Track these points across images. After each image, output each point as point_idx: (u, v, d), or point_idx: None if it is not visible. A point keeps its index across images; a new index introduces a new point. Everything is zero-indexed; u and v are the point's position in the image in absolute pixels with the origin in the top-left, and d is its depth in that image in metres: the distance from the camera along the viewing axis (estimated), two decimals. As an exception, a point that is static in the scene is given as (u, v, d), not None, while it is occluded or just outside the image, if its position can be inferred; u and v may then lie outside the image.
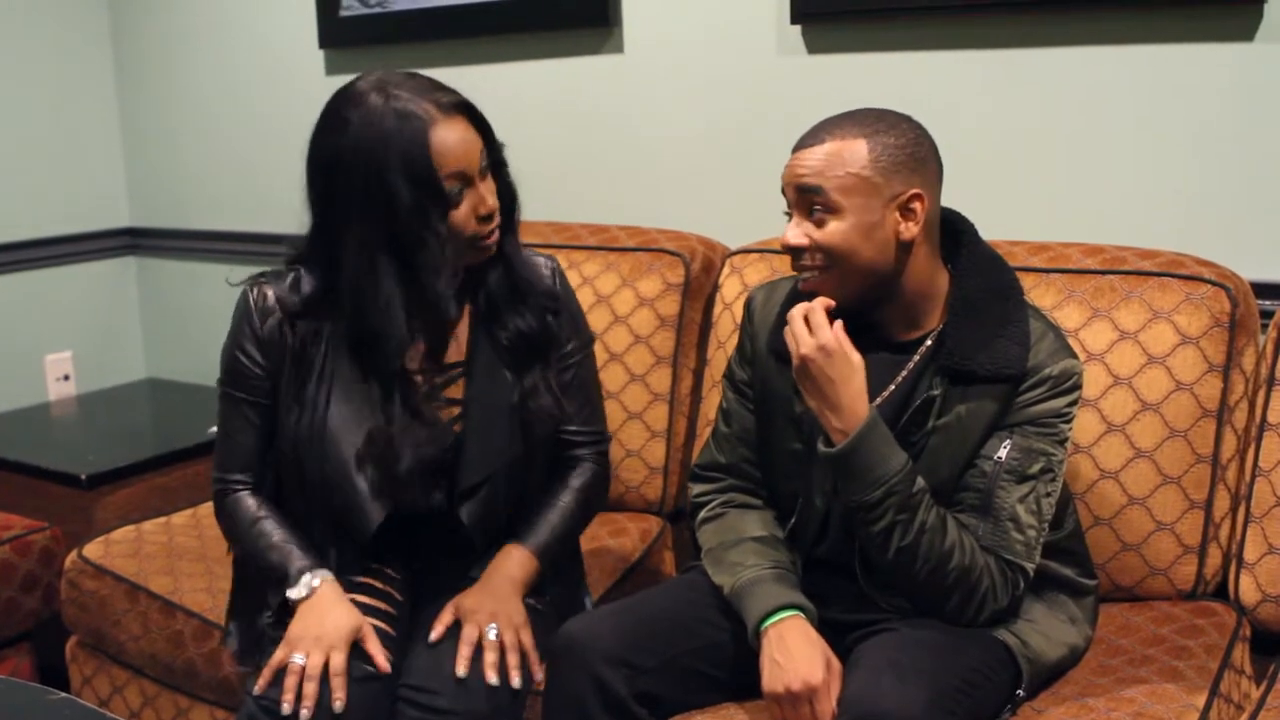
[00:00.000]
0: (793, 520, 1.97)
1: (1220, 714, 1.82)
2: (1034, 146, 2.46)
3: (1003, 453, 1.80)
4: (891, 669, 1.66)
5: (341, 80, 1.97)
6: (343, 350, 1.98)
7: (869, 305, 1.85)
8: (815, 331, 1.77)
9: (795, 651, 1.76)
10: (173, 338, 3.99)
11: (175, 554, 2.52)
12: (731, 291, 2.51)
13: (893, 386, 1.87)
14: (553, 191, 3.01)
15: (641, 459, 2.58)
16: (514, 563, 2.01)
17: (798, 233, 1.81)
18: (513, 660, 1.87)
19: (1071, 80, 2.40)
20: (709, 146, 2.85)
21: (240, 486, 2.06)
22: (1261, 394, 2.06)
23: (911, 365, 1.87)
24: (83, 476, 3.02)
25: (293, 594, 1.93)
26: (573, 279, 2.61)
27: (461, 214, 1.89)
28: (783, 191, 1.85)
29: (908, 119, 1.84)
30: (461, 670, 1.85)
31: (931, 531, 1.76)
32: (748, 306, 2.07)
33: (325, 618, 1.88)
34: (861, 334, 1.83)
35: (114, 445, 3.32)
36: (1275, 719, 1.76)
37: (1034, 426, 1.81)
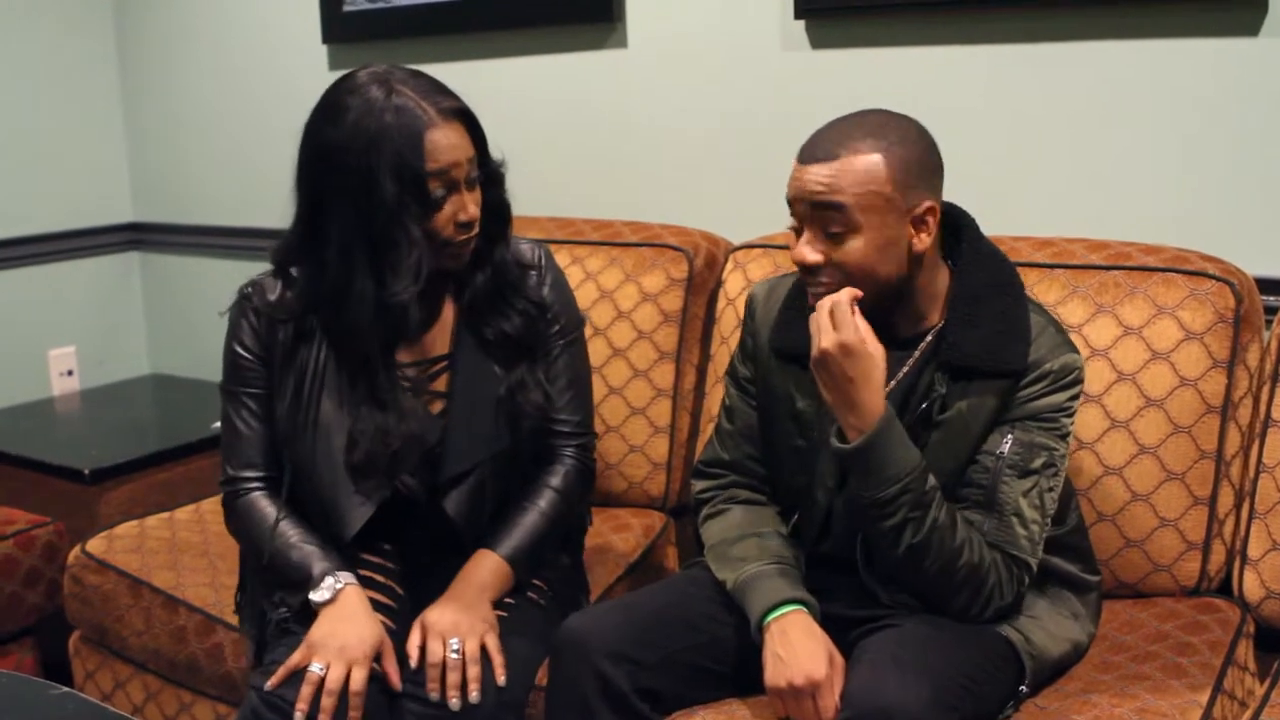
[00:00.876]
0: (796, 516, 1.98)
1: (1224, 710, 1.82)
2: (1037, 141, 2.46)
3: (1005, 447, 1.80)
4: (894, 664, 1.65)
5: (344, 75, 1.97)
6: (332, 348, 1.99)
7: (876, 310, 1.82)
8: (839, 327, 1.74)
9: (798, 646, 1.76)
10: (176, 333, 4.00)
11: (178, 549, 2.52)
12: (735, 287, 2.51)
13: (893, 383, 1.86)
14: (556, 186, 3.01)
15: (644, 454, 2.58)
16: (484, 569, 2.00)
17: (813, 251, 1.79)
18: (471, 673, 1.85)
19: (1076, 75, 2.39)
20: (712, 142, 2.85)
21: (252, 485, 2.05)
22: (1266, 390, 2.06)
23: (913, 361, 1.87)
24: (86, 471, 3.02)
25: (315, 597, 1.92)
26: (576, 274, 2.62)
27: (442, 218, 1.89)
28: (790, 203, 1.81)
29: (912, 123, 1.82)
30: (433, 694, 1.84)
31: (942, 529, 1.76)
32: (749, 304, 2.07)
33: (350, 628, 1.86)
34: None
35: (117, 440, 3.32)
36: (1278, 715, 1.75)
37: (1035, 421, 1.81)
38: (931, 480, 1.77)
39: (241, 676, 2.23)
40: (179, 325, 3.98)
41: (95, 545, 2.54)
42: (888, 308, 1.84)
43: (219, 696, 2.34)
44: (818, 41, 2.67)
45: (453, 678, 1.84)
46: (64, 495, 3.04)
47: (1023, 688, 1.79)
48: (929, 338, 1.87)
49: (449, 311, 2.06)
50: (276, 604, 1.99)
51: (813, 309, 1.80)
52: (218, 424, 2.11)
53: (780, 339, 1.97)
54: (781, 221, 2.58)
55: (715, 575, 1.94)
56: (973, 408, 1.82)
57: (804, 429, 1.93)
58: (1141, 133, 2.35)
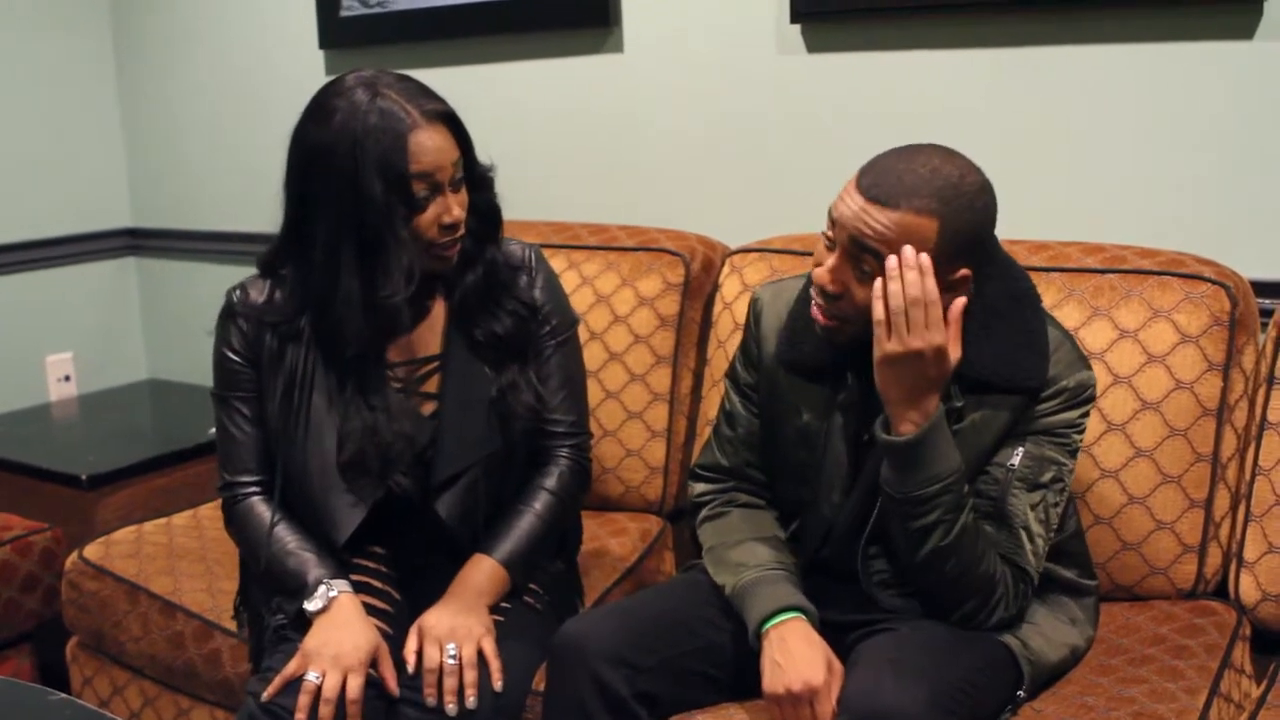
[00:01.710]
0: (795, 525, 1.98)
1: (1220, 713, 1.82)
2: (1033, 145, 2.46)
3: (1015, 460, 1.80)
4: (891, 668, 1.66)
5: (340, 81, 1.98)
6: (321, 351, 1.99)
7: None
8: (931, 327, 1.67)
9: (796, 653, 1.76)
10: (173, 338, 4.00)
11: (176, 555, 2.52)
12: (732, 291, 2.51)
13: None
14: (552, 191, 3.01)
15: (641, 459, 2.58)
16: (480, 573, 2.00)
17: (838, 279, 1.76)
18: (469, 678, 1.85)
19: (1071, 79, 2.40)
20: (709, 145, 2.85)
21: (250, 490, 2.05)
22: (1262, 392, 2.06)
23: None
24: (83, 477, 3.03)
25: (310, 606, 1.92)
26: (572, 278, 2.62)
27: (426, 219, 1.90)
28: (830, 219, 1.76)
29: (982, 187, 1.76)
30: (430, 699, 1.84)
31: (969, 535, 1.76)
32: (753, 307, 2.04)
33: (344, 636, 1.86)
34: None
35: (115, 446, 3.32)
36: (1275, 718, 1.76)
37: (1047, 436, 1.81)
38: (967, 486, 1.77)
39: (239, 681, 2.23)
40: (176, 331, 3.98)
41: (92, 551, 2.54)
42: None
43: (216, 702, 2.34)
44: (814, 45, 2.67)
45: (449, 683, 1.84)
46: (61, 501, 3.04)
47: (1020, 693, 1.79)
48: None
49: (439, 312, 2.06)
50: (273, 610, 1.99)
51: (818, 326, 1.80)
52: (214, 430, 2.11)
53: (789, 353, 1.94)
54: (779, 225, 2.60)
55: (713, 579, 1.94)
56: (985, 420, 1.81)
57: (809, 442, 1.92)
58: (1137, 136, 2.35)
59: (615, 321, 2.59)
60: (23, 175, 3.73)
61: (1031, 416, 1.81)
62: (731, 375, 2.08)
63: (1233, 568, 2.07)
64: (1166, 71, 2.30)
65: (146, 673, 2.44)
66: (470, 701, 1.84)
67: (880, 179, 1.71)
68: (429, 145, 1.87)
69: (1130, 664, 1.90)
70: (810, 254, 2.06)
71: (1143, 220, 2.34)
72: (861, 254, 1.72)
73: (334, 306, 1.91)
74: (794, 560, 1.94)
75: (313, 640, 1.87)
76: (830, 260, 1.76)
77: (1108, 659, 1.92)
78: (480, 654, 1.88)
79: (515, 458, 2.07)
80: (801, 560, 1.95)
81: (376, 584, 2.02)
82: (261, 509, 2.03)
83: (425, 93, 1.92)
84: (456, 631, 1.89)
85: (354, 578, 2.00)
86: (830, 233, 1.77)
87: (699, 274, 2.60)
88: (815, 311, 1.81)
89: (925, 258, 1.66)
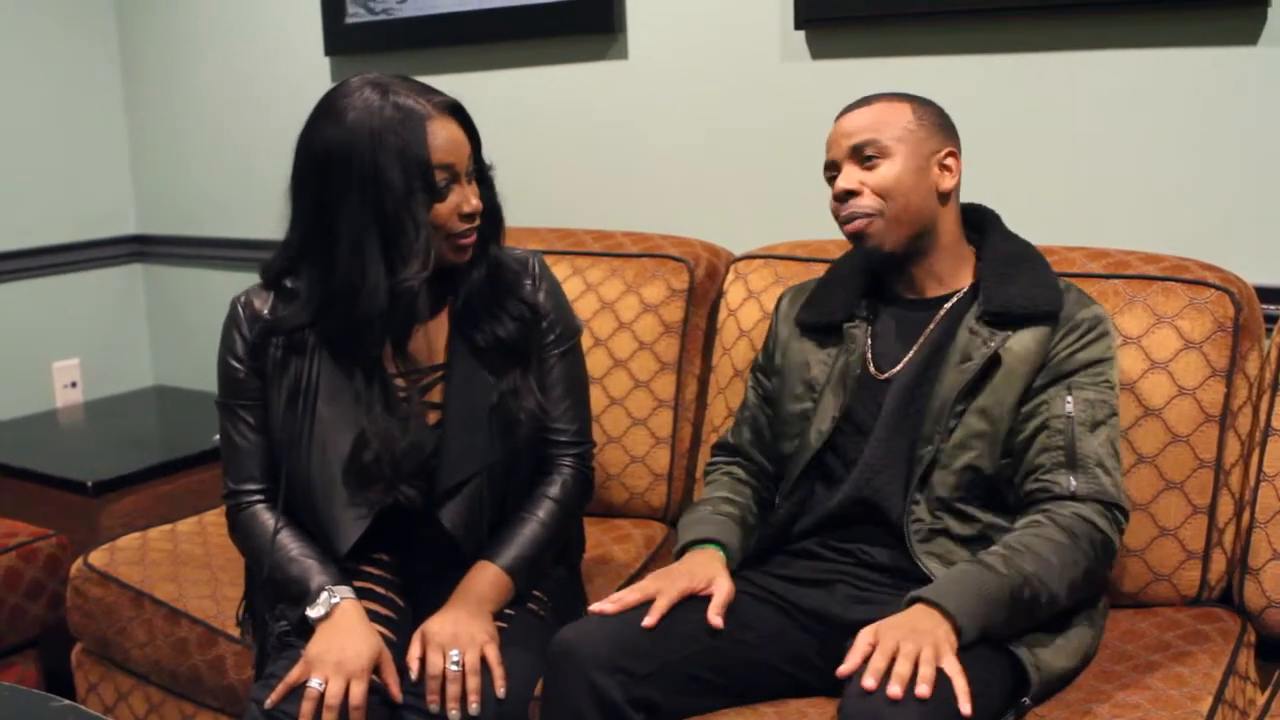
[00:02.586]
0: (794, 483, 2.06)
1: (1225, 720, 1.82)
2: (1039, 151, 2.46)
3: (1070, 407, 1.90)
4: (886, 694, 1.64)
5: (346, 87, 1.98)
6: (326, 359, 1.99)
7: (910, 255, 2.02)
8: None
9: (692, 561, 1.96)
10: (180, 345, 4.01)
11: (180, 561, 2.52)
12: (736, 297, 2.51)
13: (923, 338, 2.01)
14: (557, 197, 3.01)
15: (646, 465, 2.58)
16: (483, 580, 2.00)
17: (851, 177, 1.99)
18: (471, 685, 1.85)
19: (1075, 85, 2.40)
20: (713, 152, 2.85)
21: (254, 497, 2.06)
22: (1266, 399, 2.06)
23: (941, 315, 2.02)
24: (89, 484, 3.03)
25: (312, 613, 1.92)
26: (577, 285, 2.62)
27: (446, 209, 1.92)
28: (829, 153, 2.03)
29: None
30: (433, 706, 1.84)
31: (1051, 570, 1.79)
32: (779, 302, 2.23)
33: (347, 642, 1.86)
34: (887, 295, 2.08)
35: (120, 452, 3.33)
36: (1279, 725, 1.76)
37: (1085, 377, 1.92)
38: (1020, 566, 1.78)
39: (243, 688, 2.23)
40: (182, 337, 3.99)
41: (98, 558, 2.54)
42: (918, 255, 2.02)
43: (220, 708, 2.34)
44: (818, 52, 2.67)
45: (452, 689, 1.84)
46: (67, 507, 3.04)
47: (1026, 700, 1.78)
48: (954, 299, 2.02)
49: (443, 322, 2.06)
50: (277, 617, 1.99)
51: (845, 228, 2.01)
52: (219, 437, 2.11)
53: (805, 313, 2.14)
54: (783, 231, 2.60)
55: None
56: (1014, 354, 1.93)
57: (812, 391, 2.07)
58: (1141, 141, 2.35)
59: (619, 328, 2.59)
60: (30, 182, 3.74)
61: (1059, 356, 1.92)
62: (753, 363, 2.26)
63: (1237, 574, 2.07)
64: (1171, 77, 2.30)
65: (151, 679, 2.45)
66: (473, 708, 1.84)
67: (850, 104, 2.07)
68: (446, 135, 1.91)
69: (1134, 670, 1.89)
70: (815, 259, 2.30)
71: (1147, 226, 2.34)
72: (861, 150, 1.98)
73: (361, 300, 1.91)
74: (749, 516, 2.11)
75: (316, 647, 1.87)
76: (841, 173, 2.01)
77: (1112, 665, 1.92)
78: (483, 661, 1.88)
79: (519, 466, 2.08)
80: (788, 488, 2.06)
81: (380, 590, 2.02)
82: (265, 516, 2.04)
83: (430, 88, 1.95)
84: (460, 638, 1.89)
85: (357, 584, 2.00)
86: (830, 170, 2.04)
87: (703, 280, 2.60)
88: (851, 228, 2.00)
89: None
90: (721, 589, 1.90)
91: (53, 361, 3.85)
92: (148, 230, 4.01)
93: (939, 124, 2.03)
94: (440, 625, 1.91)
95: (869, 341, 2.06)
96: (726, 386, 2.48)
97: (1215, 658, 1.92)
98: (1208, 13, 2.24)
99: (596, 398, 2.46)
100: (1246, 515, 2.06)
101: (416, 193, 1.88)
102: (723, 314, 2.55)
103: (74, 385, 3.89)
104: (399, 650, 1.92)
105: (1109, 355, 1.95)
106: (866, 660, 1.66)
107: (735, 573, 2.01)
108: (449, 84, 2.00)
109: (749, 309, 2.47)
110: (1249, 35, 2.21)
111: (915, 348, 2.01)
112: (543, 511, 2.08)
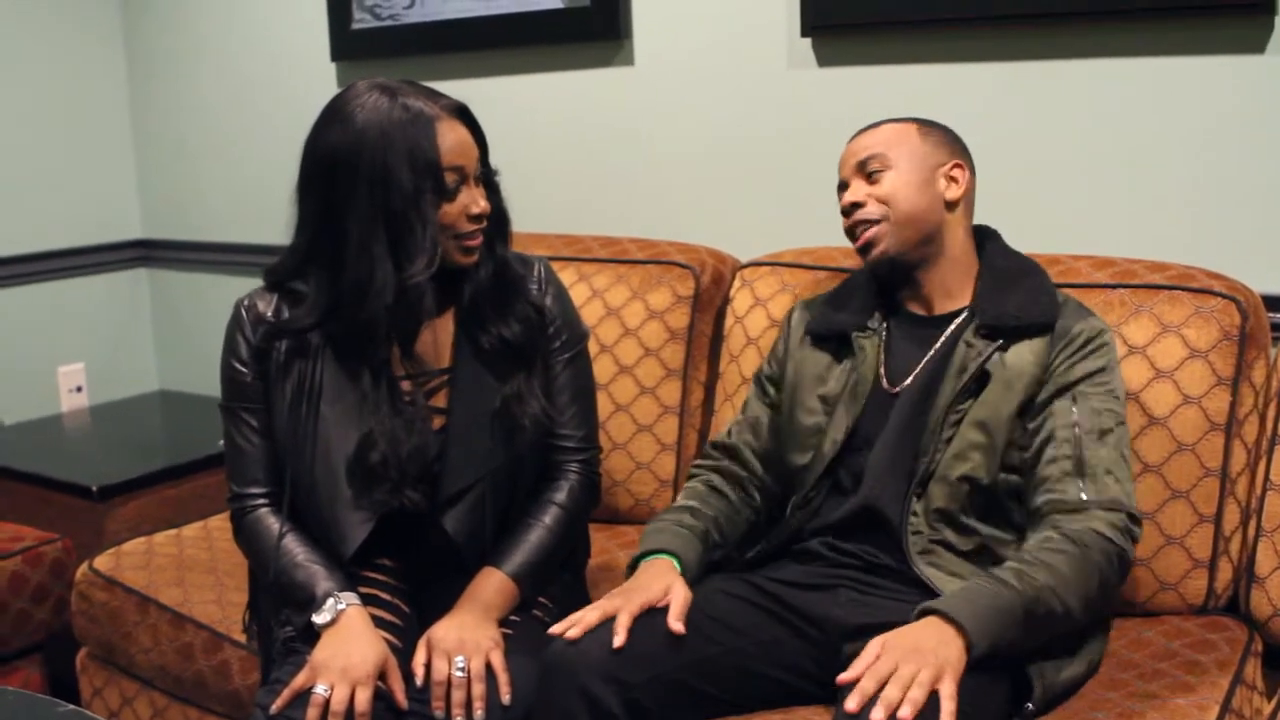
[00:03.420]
0: (806, 495, 2.06)
1: (1231, 729, 1.82)
2: (1044, 159, 2.46)
3: (1075, 415, 1.90)
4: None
5: (353, 94, 1.99)
6: (331, 361, 1.99)
7: (917, 263, 2.04)
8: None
9: (649, 572, 1.96)
10: (184, 350, 4.01)
11: (186, 566, 2.53)
12: (743, 304, 2.51)
13: (930, 355, 2.03)
14: (563, 203, 3.02)
15: (651, 472, 2.58)
16: (489, 586, 2.00)
17: (858, 190, 2.04)
18: (476, 691, 1.84)
19: (1081, 93, 2.40)
20: (719, 159, 2.85)
21: (259, 502, 2.05)
22: (1272, 407, 2.06)
23: (948, 333, 2.03)
24: (94, 488, 3.03)
25: (318, 619, 1.91)
26: (583, 291, 2.62)
27: (454, 209, 1.93)
28: (840, 173, 2.09)
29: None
30: (438, 712, 1.84)
31: (1066, 584, 1.78)
32: (789, 314, 2.24)
33: (352, 648, 1.86)
34: (897, 309, 2.10)
35: (125, 457, 3.33)
36: (1286, 734, 1.75)
37: (1089, 386, 1.93)
38: (1031, 579, 1.77)
39: (248, 693, 2.23)
40: (187, 342, 3.99)
41: (103, 562, 2.54)
42: (924, 263, 2.04)
43: (226, 713, 2.34)
44: (824, 59, 2.68)
45: (457, 695, 1.84)
46: (72, 512, 3.04)
47: (1029, 706, 1.78)
48: (961, 316, 2.04)
49: (449, 326, 2.06)
50: (282, 623, 1.99)
51: (855, 242, 2.05)
52: (223, 441, 2.11)
53: (816, 323, 2.15)
54: (789, 238, 2.60)
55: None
56: (1011, 365, 1.94)
57: (826, 404, 2.08)
58: (1148, 150, 2.35)
59: (625, 334, 2.59)
60: (35, 187, 3.75)
61: (1060, 369, 1.93)
62: (758, 371, 2.26)
63: (1244, 583, 2.07)
64: (1177, 85, 2.30)
65: (156, 684, 2.45)
66: (478, 714, 1.83)
67: (858, 131, 2.12)
68: (455, 137, 1.93)
69: (1141, 679, 1.89)
70: (821, 268, 2.33)
71: (1152, 234, 2.34)
72: (865, 166, 2.04)
73: (369, 299, 1.92)
74: (707, 525, 2.09)
75: (321, 653, 1.86)
76: (848, 190, 2.06)
77: (1118, 674, 1.92)
78: (489, 667, 1.88)
79: (523, 471, 2.07)
80: (798, 505, 2.06)
81: (385, 596, 2.02)
82: (270, 521, 2.04)
83: (439, 93, 1.97)
84: (465, 644, 1.89)
85: (362, 590, 1.99)
86: (840, 191, 2.09)
87: (709, 287, 2.60)
88: (860, 239, 2.04)
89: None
90: (678, 596, 1.90)
91: (58, 366, 3.86)
92: (153, 235, 4.01)
93: (945, 140, 2.08)
94: (446, 631, 1.91)
95: (881, 355, 2.07)
96: (734, 393, 2.48)
97: (1222, 667, 1.92)
98: (1215, 21, 2.24)
99: (602, 404, 2.46)
100: (1253, 524, 2.05)
101: (425, 193, 1.89)
102: (729, 321, 2.55)
103: (79, 390, 3.90)
104: (404, 656, 1.92)
105: (1111, 365, 1.96)
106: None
107: (735, 577, 2.02)
108: (455, 90, 2.01)
109: (756, 316, 2.47)
110: (1256, 44, 2.21)
111: (923, 362, 2.03)
112: (549, 518, 2.07)
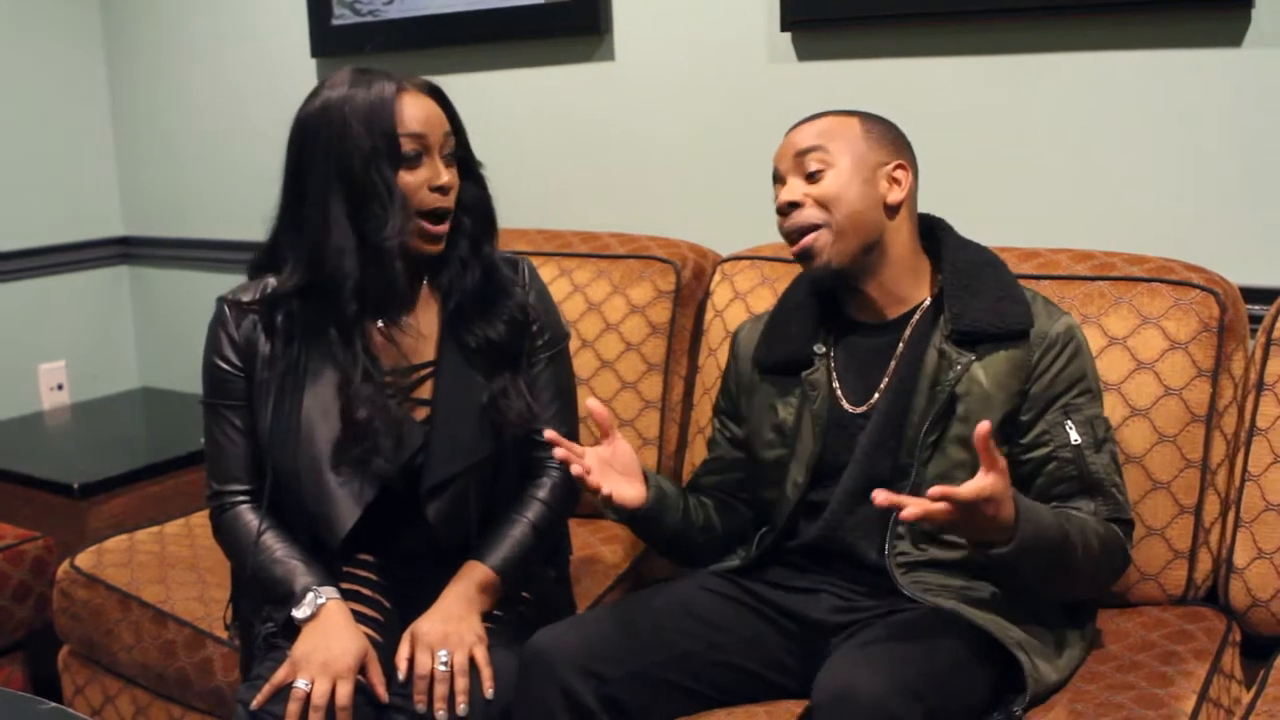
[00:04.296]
0: (763, 530, 2.05)
1: (1210, 718, 1.83)
2: (1023, 152, 2.47)
3: (1073, 434, 1.88)
4: (861, 654, 1.68)
5: (334, 89, 1.99)
6: (313, 353, 1.99)
7: (860, 272, 1.96)
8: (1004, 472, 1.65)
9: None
10: (166, 347, 4.00)
11: (167, 563, 2.52)
12: (723, 298, 2.51)
13: (893, 363, 1.96)
14: (544, 198, 3.01)
15: (633, 466, 2.57)
16: (473, 581, 2.00)
17: (795, 189, 1.94)
18: (459, 685, 1.85)
19: (1059, 86, 2.40)
20: (700, 153, 2.85)
21: (238, 498, 2.06)
22: (1251, 399, 2.06)
23: (907, 336, 1.97)
24: (75, 486, 3.02)
25: (298, 613, 1.92)
26: (564, 286, 2.62)
27: (415, 179, 1.94)
28: (776, 167, 1.99)
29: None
30: (420, 706, 1.85)
31: (1091, 552, 1.80)
32: (733, 338, 2.19)
33: (333, 642, 1.86)
34: (845, 322, 2.02)
35: (107, 454, 3.32)
36: (1265, 724, 1.76)
37: (1077, 396, 1.90)
38: (1070, 517, 1.79)
39: (231, 690, 2.23)
40: (169, 339, 3.98)
41: (84, 560, 2.54)
42: (869, 272, 1.96)
43: (208, 710, 2.34)
44: (804, 53, 2.68)
45: (440, 690, 1.84)
46: (53, 509, 3.03)
47: (1016, 710, 1.76)
48: (917, 315, 1.98)
49: (433, 319, 2.07)
50: (263, 619, 1.99)
51: (793, 246, 1.96)
52: (204, 438, 2.11)
53: (762, 354, 2.08)
54: (769, 233, 2.59)
55: None
56: (989, 374, 1.89)
57: (783, 435, 2.02)
58: (1126, 143, 2.35)
59: (606, 329, 2.59)
60: (16, 184, 3.73)
61: (1044, 380, 1.89)
62: (715, 406, 2.23)
63: (1223, 573, 2.07)
64: (1155, 79, 2.31)
65: (138, 681, 2.44)
66: (461, 709, 1.84)
67: (798, 121, 2.02)
68: (416, 107, 1.95)
69: (1119, 670, 1.90)
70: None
71: (1132, 227, 2.35)
72: (803, 160, 1.94)
73: (327, 259, 1.93)
74: (683, 501, 2.05)
75: (301, 647, 1.87)
76: (784, 186, 1.97)
77: (1097, 665, 1.92)
78: (472, 661, 1.88)
79: (506, 467, 2.08)
80: (770, 536, 2.02)
81: (366, 592, 2.02)
82: (249, 517, 2.03)
83: (413, 75, 2.00)
84: (449, 638, 1.89)
85: (344, 586, 2.00)
86: (776, 184, 1.99)
87: (690, 281, 2.60)
88: (798, 245, 1.95)
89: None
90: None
91: (39, 364, 3.84)
92: (134, 232, 4.00)
93: (888, 137, 1.98)
94: (430, 625, 1.91)
95: (833, 378, 2.01)
96: (712, 387, 2.48)
97: (1200, 657, 1.93)
98: (1192, 14, 2.25)
99: (583, 399, 2.45)
100: (1232, 515, 2.06)
101: (382, 155, 1.91)
102: (709, 315, 2.55)
103: (60, 387, 3.88)
104: (385, 651, 1.92)
105: (1087, 362, 1.94)
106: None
107: (717, 575, 2.03)
108: (436, 85, 2.01)
109: (735, 310, 2.47)
110: (1233, 37, 2.22)
111: (886, 377, 1.97)
112: (532, 513, 2.08)
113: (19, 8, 3.71)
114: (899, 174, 1.95)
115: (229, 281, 2.17)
